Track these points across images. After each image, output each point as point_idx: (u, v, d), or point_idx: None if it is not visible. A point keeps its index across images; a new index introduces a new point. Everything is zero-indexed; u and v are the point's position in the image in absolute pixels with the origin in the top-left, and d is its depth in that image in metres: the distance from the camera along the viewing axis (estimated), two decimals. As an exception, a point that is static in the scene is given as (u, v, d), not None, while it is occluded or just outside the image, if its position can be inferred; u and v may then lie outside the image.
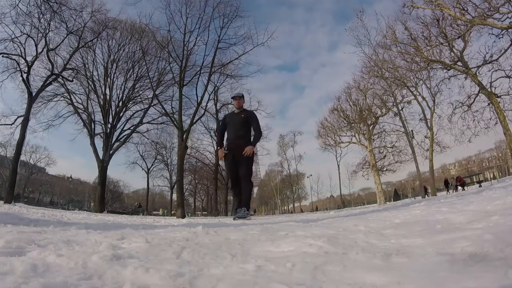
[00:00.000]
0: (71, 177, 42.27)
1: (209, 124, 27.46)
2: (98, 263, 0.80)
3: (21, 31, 14.15)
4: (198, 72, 17.48)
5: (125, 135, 21.59)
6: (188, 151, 22.99)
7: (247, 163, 4.01)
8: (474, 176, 24.08)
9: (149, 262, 0.88)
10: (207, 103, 20.02)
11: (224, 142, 4.28)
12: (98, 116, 20.54)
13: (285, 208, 51.94)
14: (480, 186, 16.48)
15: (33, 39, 14.59)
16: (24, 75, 14.46)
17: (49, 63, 15.87)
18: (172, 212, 28.09)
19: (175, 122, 16.77)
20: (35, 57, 14.82)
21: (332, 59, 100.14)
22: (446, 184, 24.19)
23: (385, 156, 22.92)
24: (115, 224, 2.84)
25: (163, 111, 18.59)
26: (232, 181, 4.13)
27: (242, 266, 0.83)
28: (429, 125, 19.80)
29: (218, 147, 4.31)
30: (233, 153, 4.04)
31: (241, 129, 4.09)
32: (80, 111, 20.08)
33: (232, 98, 4.30)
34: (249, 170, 4.06)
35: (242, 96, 4.29)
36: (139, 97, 22.18)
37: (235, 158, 4.02)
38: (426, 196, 21.11)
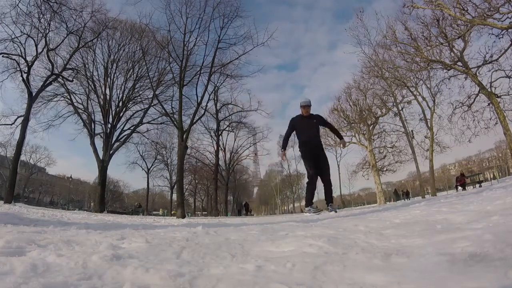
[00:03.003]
0: (71, 177, 42.20)
1: (209, 124, 27.47)
2: (98, 263, 0.80)
3: (21, 31, 14.17)
4: (198, 72, 17.49)
5: (125, 135, 21.59)
6: (188, 151, 22.98)
7: (327, 160, 4.53)
8: (474, 176, 24.04)
9: (149, 262, 0.87)
10: (207, 103, 20.03)
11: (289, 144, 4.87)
12: (98, 116, 20.56)
13: (285, 208, 51.92)
14: (480, 186, 16.47)
15: (33, 39, 14.59)
16: (24, 75, 14.47)
17: (49, 63, 15.88)
18: (172, 212, 28.07)
19: (175, 122, 16.78)
20: (35, 57, 14.82)
21: (331, 58, 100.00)
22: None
23: (385, 156, 22.92)
24: (115, 224, 2.84)
25: (163, 111, 18.60)
26: (315, 173, 4.39)
27: (242, 266, 0.83)
28: (429, 125, 19.79)
29: (283, 149, 4.82)
30: (310, 148, 4.47)
31: (314, 131, 4.62)
32: (80, 111, 20.08)
33: (302, 107, 4.64)
34: (329, 166, 4.59)
35: (310, 105, 4.71)
36: (139, 97, 22.18)
37: (313, 153, 4.45)
38: (406, 199, 20.82)
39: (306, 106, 4.63)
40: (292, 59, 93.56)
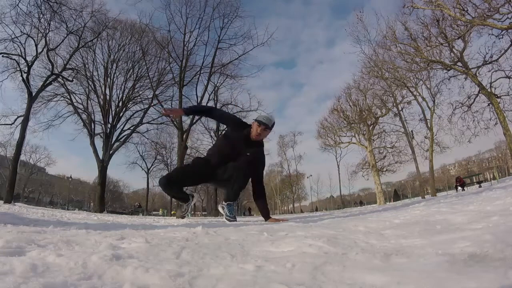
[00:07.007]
0: (71, 177, 42.22)
1: (209, 124, 27.40)
2: (98, 263, 0.80)
3: (21, 31, 14.18)
4: (198, 72, 17.52)
5: (125, 135, 21.60)
6: (188, 151, 22.94)
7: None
8: (474, 177, 24.04)
9: (149, 262, 0.87)
10: (207, 103, 20.02)
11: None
12: (98, 116, 20.58)
13: (285, 208, 51.95)
14: (480, 186, 16.47)
15: (33, 39, 14.61)
16: (24, 75, 14.48)
17: (49, 63, 15.89)
18: (172, 212, 28.05)
19: (175, 122, 16.77)
20: (35, 57, 14.83)
21: (329, 55, 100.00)
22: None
23: (385, 156, 22.96)
24: (115, 224, 2.84)
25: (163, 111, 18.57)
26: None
27: (242, 266, 0.83)
28: (429, 125, 19.81)
29: (184, 110, 3.39)
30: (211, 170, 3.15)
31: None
32: (80, 111, 20.10)
33: (258, 123, 2.87)
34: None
35: (271, 128, 2.95)
36: (139, 97, 22.21)
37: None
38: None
39: (267, 128, 2.89)
40: (290, 56, 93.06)
